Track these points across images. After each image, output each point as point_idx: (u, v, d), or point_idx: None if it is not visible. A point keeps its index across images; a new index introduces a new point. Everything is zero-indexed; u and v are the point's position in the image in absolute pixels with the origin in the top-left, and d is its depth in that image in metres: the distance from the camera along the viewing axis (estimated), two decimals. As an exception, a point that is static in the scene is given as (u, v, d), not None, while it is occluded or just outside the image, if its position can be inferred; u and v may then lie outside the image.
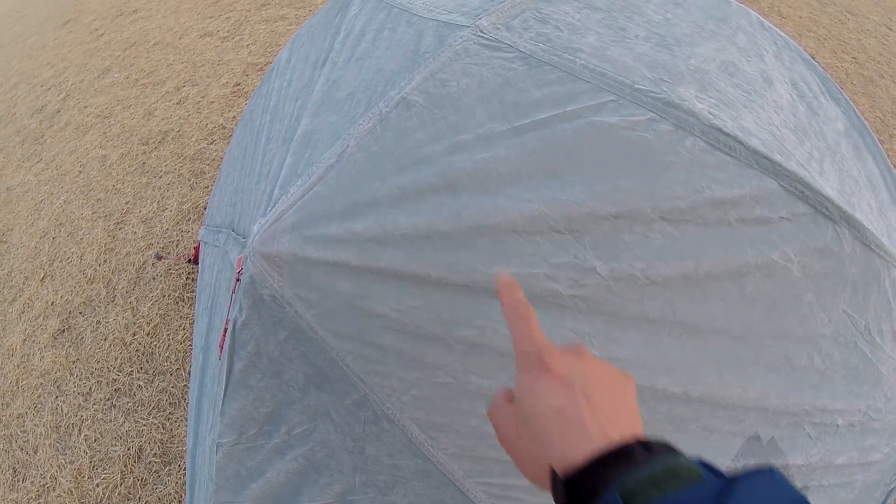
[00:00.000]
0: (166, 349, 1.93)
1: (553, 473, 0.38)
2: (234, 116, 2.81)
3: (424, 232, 0.67)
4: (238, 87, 3.00)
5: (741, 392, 0.85)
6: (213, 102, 2.93)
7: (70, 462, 1.75)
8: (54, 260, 2.44)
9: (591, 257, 0.70)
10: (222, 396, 0.86)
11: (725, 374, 0.84)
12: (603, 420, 0.39)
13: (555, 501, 0.38)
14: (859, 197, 0.93)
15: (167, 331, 1.99)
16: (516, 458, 0.43)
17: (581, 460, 0.36)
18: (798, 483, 0.97)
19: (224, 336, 0.83)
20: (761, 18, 1.21)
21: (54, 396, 1.93)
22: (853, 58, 3.13)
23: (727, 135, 0.78)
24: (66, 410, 1.88)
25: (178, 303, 2.06)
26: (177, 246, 2.27)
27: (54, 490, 1.71)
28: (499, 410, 0.45)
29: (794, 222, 0.80)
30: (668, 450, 0.37)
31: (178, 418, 1.76)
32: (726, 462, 0.90)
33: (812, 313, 0.86)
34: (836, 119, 1.10)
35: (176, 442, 1.71)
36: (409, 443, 0.76)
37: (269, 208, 0.75)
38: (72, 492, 1.69)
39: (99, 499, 1.66)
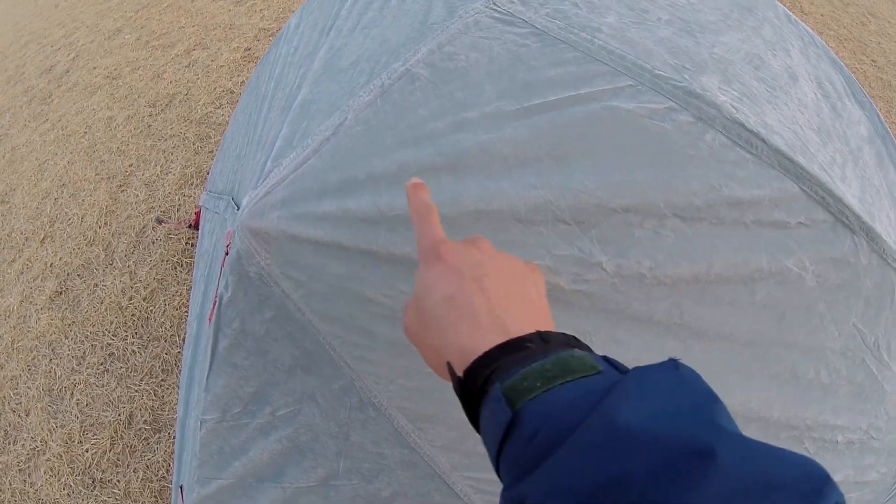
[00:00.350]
0: (162, 315, 1.92)
1: (450, 367, 0.36)
2: (242, 81, 2.77)
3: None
4: (248, 52, 2.95)
5: (744, 401, 0.82)
6: (222, 66, 2.88)
7: (61, 426, 1.75)
8: (55, 221, 2.42)
9: (598, 252, 0.66)
10: (207, 373, 0.84)
11: (729, 382, 0.81)
12: (497, 308, 0.37)
13: (458, 397, 0.36)
14: (879, 207, 0.89)
15: (164, 296, 1.97)
16: (420, 349, 0.41)
17: (475, 352, 0.34)
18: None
19: (213, 310, 0.81)
20: (788, 12, 1.15)
21: (49, 359, 1.93)
22: (872, 61, 3.05)
23: (749, 131, 0.73)
24: (59, 374, 1.88)
25: (176, 268, 2.04)
26: (178, 210, 2.24)
27: (44, 454, 1.72)
28: (407, 304, 0.43)
29: (812, 229, 0.76)
30: (567, 343, 0.34)
31: (170, 385, 1.75)
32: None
33: (823, 325, 0.82)
34: (859, 123, 1.04)
35: (167, 410, 1.70)
36: (395, 432, 0.74)
37: (260, 181, 0.71)
38: (61, 456, 1.69)
39: (88, 464, 1.66)
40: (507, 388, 0.31)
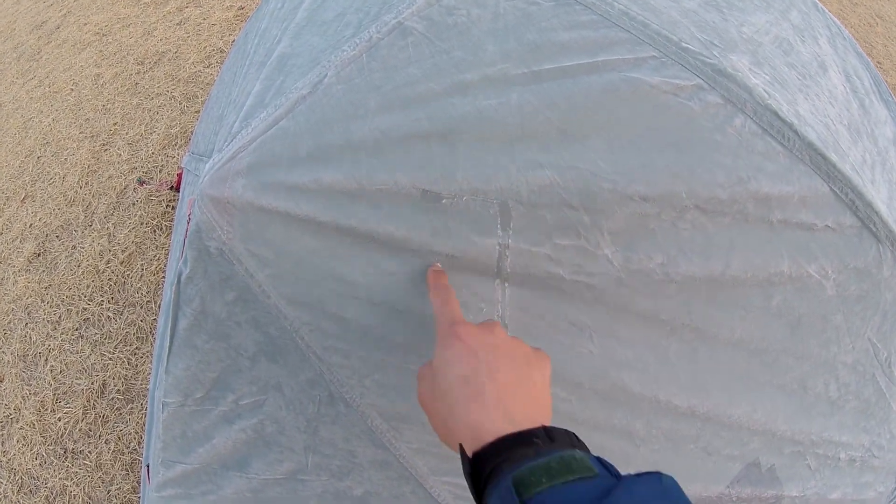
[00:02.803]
0: (139, 280, 1.85)
1: (462, 450, 0.40)
2: (234, 40, 2.65)
3: (407, 189, 0.55)
4: (241, 11, 2.81)
5: (749, 412, 0.76)
6: (214, 25, 2.75)
7: (34, 393, 1.69)
8: (37, 180, 2.32)
9: (605, 242, 0.58)
10: (167, 353, 0.76)
11: (735, 391, 0.75)
12: (504, 395, 0.41)
13: (464, 474, 0.40)
14: None
15: (141, 260, 1.89)
16: (430, 419, 0.45)
17: (485, 437, 0.38)
18: None
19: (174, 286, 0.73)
20: (815, -1, 1.06)
21: (24, 323, 1.86)
22: (878, 63, 2.95)
23: (782, 120, 0.65)
24: (34, 339, 1.81)
25: (155, 231, 1.96)
26: (160, 171, 2.15)
27: (17, 422, 1.66)
28: (423, 373, 0.48)
29: (838, 234, 0.69)
30: (569, 441, 0.38)
31: (144, 354, 1.69)
32: (720, 489, 0.81)
33: (837, 338, 0.76)
34: (885, 123, 0.96)
35: (140, 379, 1.64)
36: (367, 430, 0.67)
37: (227, 143, 0.62)
38: (34, 425, 1.63)
39: (60, 433, 1.60)
40: (516, 480, 0.35)
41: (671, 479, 0.35)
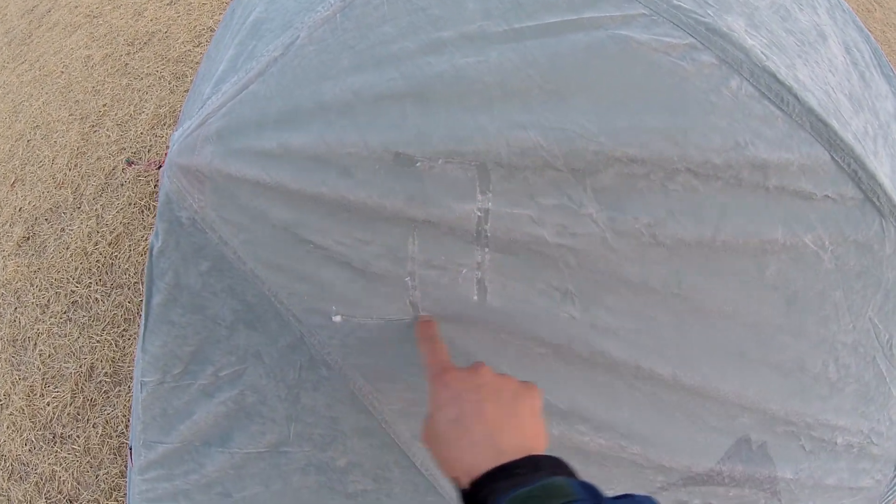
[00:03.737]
0: (126, 261, 1.84)
1: (457, 482, 0.44)
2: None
3: (379, 152, 0.52)
4: (233, -9, 2.77)
5: (739, 389, 0.74)
6: (204, 4, 2.71)
7: (23, 378, 1.69)
8: (27, 164, 2.30)
9: (589, 201, 0.56)
10: (143, 331, 0.74)
11: (725, 366, 0.72)
12: (492, 430, 0.45)
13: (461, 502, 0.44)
14: None
15: (129, 241, 1.89)
16: (433, 457, 0.49)
17: (476, 472, 0.42)
18: (784, 501, 0.88)
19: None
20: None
21: (14, 308, 1.85)
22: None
23: (781, 83, 0.61)
24: (23, 323, 1.80)
25: (143, 212, 1.95)
26: (149, 151, 2.13)
27: (7, 408, 1.66)
28: (423, 421, 0.51)
29: (838, 205, 0.66)
30: (553, 469, 0.42)
31: (131, 336, 1.69)
32: (710, 464, 0.79)
33: (837, 315, 0.73)
34: (886, 98, 0.93)
35: (127, 361, 1.64)
36: (350, 394, 0.65)
37: (198, 110, 0.60)
38: (23, 410, 1.63)
39: (49, 418, 1.60)
40: None
41: (649, 499, 0.38)
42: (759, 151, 0.60)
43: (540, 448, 0.45)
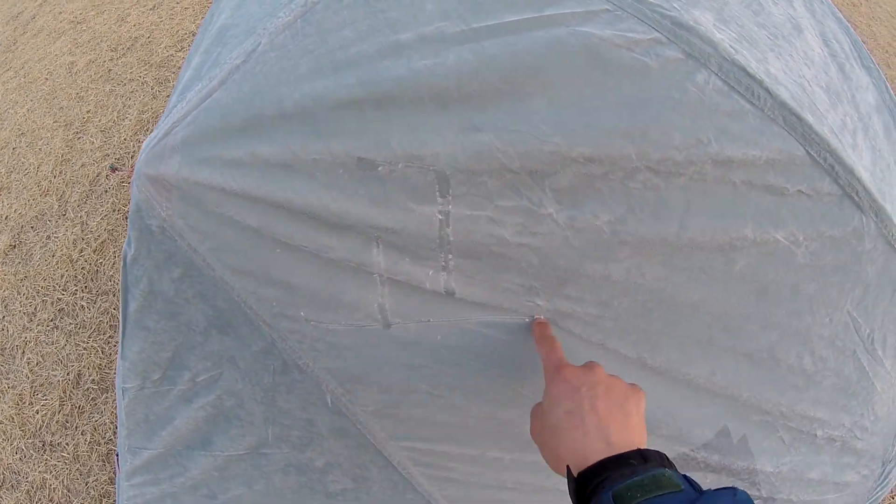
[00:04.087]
0: (111, 268, 1.85)
1: (568, 470, 0.47)
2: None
3: (342, 157, 0.53)
4: (215, -6, 2.77)
5: (708, 374, 0.75)
6: (187, 9, 2.71)
7: (12, 387, 1.69)
8: (12, 171, 2.30)
9: (549, 201, 0.57)
10: (121, 338, 0.75)
11: (692, 352, 0.73)
12: (603, 424, 0.48)
13: (569, 492, 0.46)
14: (890, 184, 0.78)
15: (113, 248, 1.90)
16: (542, 452, 0.53)
17: (587, 461, 0.45)
18: (765, 493, 0.89)
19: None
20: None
21: (1, 316, 1.85)
22: (862, 43, 2.94)
23: (751, 76, 0.60)
24: (11, 331, 1.80)
25: (127, 218, 1.93)
26: (132, 157, 2.14)
27: (-3, 417, 1.65)
28: (534, 412, 0.56)
29: (813, 200, 0.66)
30: (660, 461, 0.44)
31: (117, 342, 1.68)
32: (683, 449, 0.80)
33: (811, 308, 0.74)
34: (867, 89, 0.91)
35: (113, 368, 1.65)
36: (323, 396, 0.65)
37: (164, 118, 0.60)
38: (13, 419, 1.63)
39: (38, 426, 1.60)
40: (615, 495, 0.41)
41: (745, 493, 0.40)
42: (724, 148, 0.60)
43: (643, 444, 0.48)
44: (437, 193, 0.54)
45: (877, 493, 1.05)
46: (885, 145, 0.85)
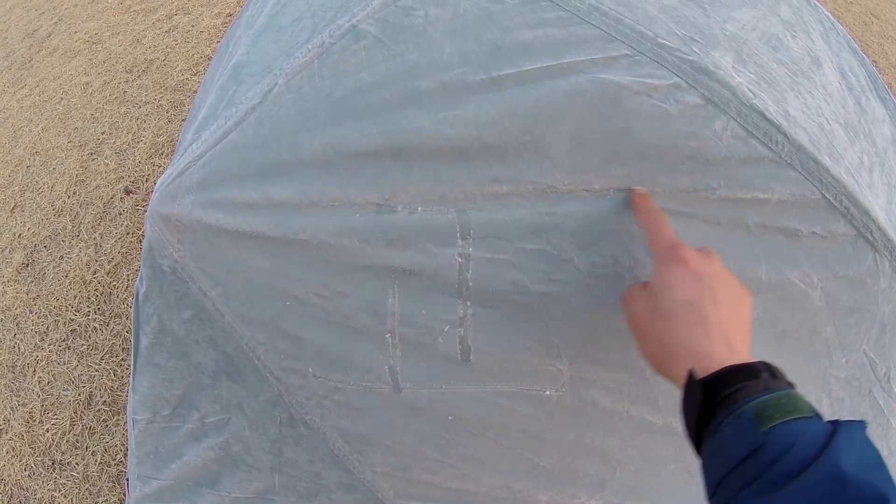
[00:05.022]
0: (124, 291, 1.84)
1: (689, 376, 0.40)
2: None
3: (360, 203, 0.52)
4: (230, 18, 2.80)
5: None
6: (202, 32, 2.73)
7: (23, 404, 1.69)
8: (26, 190, 2.32)
9: (569, 246, 0.55)
10: (133, 371, 0.74)
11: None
12: (724, 323, 0.42)
13: (684, 396, 0.41)
14: None
15: (127, 271, 1.89)
16: (643, 344, 0.46)
17: (711, 364, 0.40)
18: None
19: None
20: (807, -8, 1.01)
21: (13, 334, 1.85)
22: (873, 61, 2.92)
23: (769, 121, 0.59)
24: (22, 349, 1.80)
25: (141, 241, 1.95)
26: (147, 180, 2.14)
27: (6, 433, 1.65)
28: (632, 295, 0.49)
29: (827, 241, 0.64)
30: (787, 379, 0.39)
31: (129, 365, 1.68)
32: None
33: (828, 351, 0.72)
34: (883, 122, 0.90)
35: (125, 391, 1.64)
36: (330, 452, 0.64)
37: (179, 157, 0.60)
38: (23, 436, 1.63)
39: (48, 445, 1.60)
40: (756, 412, 0.36)
41: (868, 428, 0.37)
42: (736, 192, 0.59)
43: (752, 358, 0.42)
44: (458, 235, 0.53)
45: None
46: (900, 181, 0.84)
